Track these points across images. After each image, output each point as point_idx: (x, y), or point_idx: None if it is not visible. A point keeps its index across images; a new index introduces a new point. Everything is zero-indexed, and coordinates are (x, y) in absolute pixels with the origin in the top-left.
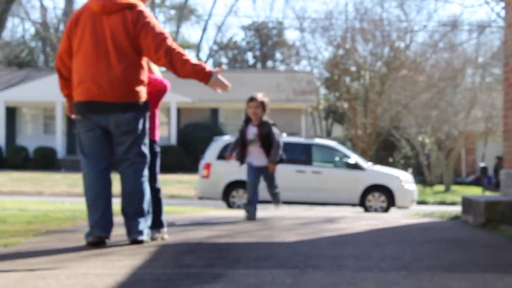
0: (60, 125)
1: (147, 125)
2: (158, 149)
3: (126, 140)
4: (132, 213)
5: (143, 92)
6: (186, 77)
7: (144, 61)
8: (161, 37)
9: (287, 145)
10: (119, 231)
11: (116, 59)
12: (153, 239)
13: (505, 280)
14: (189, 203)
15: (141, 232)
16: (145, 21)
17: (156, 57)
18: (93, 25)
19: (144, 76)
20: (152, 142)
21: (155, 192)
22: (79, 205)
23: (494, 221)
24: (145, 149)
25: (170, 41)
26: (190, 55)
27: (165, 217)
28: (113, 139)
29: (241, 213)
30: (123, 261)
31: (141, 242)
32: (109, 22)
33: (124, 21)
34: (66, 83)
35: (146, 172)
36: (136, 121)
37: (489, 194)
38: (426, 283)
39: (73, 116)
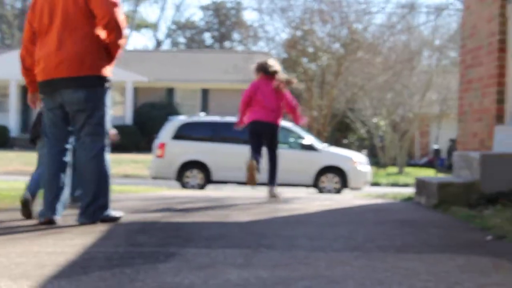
0: (14, 103)
1: (106, 102)
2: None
3: (80, 119)
4: (83, 193)
5: (97, 65)
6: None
7: (99, 32)
8: (112, 5)
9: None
10: (71, 210)
11: (67, 34)
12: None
13: (457, 260)
14: (143, 183)
15: (88, 215)
16: None
17: (102, 25)
18: (49, 5)
19: (99, 48)
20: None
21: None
22: None
23: (447, 202)
24: (100, 128)
25: (119, 13)
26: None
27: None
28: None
29: (195, 193)
30: (74, 239)
31: (86, 223)
32: None
33: None
34: (27, 72)
35: (100, 151)
36: (90, 98)
37: (442, 176)
38: (379, 263)
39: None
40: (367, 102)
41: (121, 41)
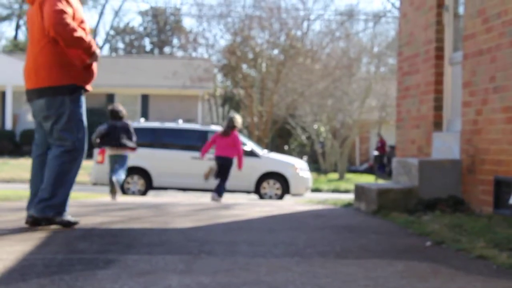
0: None
1: (69, 109)
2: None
3: (47, 126)
4: (42, 189)
5: (55, 75)
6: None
7: (55, 42)
8: (53, 16)
9: (184, 132)
10: (10, 217)
11: (32, 47)
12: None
13: (395, 265)
14: (84, 189)
15: (38, 209)
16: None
17: (51, 37)
18: (29, 18)
19: (58, 59)
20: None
21: None
22: None
23: (386, 208)
24: (66, 133)
25: (60, 21)
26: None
27: None
28: None
29: (135, 199)
30: (14, 246)
31: (34, 216)
32: (33, 11)
33: (38, 6)
34: None
35: (62, 153)
36: (51, 106)
37: (381, 182)
38: (318, 268)
39: None
40: (308, 108)
41: (74, 47)
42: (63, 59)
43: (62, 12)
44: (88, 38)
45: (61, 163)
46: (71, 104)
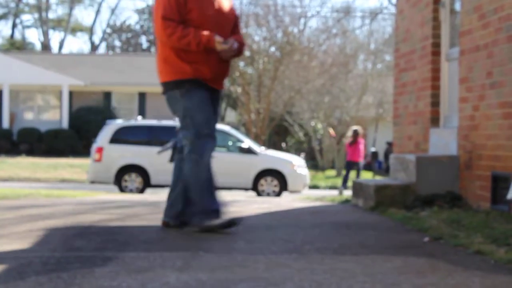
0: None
1: (181, 105)
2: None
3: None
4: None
5: (165, 71)
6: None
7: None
8: (159, 25)
9: None
10: (8, 215)
11: None
12: None
13: (393, 261)
14: (81, 187)
15: (189, 217)
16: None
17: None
18: None
19: (163, 55)
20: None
21: None
22: None
23: (384, 205)
24: (185, 132)
25: (159, 26)
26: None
27: None
28: None
29: (133, 197)
30: (12, 244)
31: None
32: None
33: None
34: None
35: (186, 156)
36: (168, 103)
37: (379, 178)
38: (316, 265)
39: None
40: (305, 105)
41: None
42: (167, 54)
43: (163, 22)
44: (192, 35)
45: (189, 168)
46: (182, 100)
